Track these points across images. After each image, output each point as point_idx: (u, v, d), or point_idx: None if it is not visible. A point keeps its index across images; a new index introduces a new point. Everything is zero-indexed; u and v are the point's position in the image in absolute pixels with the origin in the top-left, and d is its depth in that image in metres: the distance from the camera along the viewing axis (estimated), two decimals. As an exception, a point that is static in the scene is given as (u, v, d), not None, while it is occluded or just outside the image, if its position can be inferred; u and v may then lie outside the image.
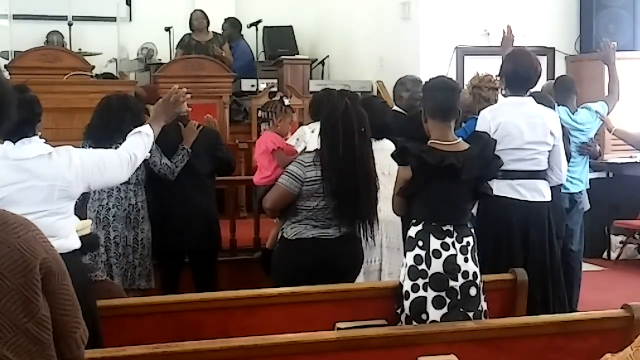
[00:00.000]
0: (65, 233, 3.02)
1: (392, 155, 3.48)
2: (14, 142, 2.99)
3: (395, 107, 5.41)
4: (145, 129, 3.44)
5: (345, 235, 3.77)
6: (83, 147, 4.66)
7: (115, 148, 4.57)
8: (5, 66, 7.50)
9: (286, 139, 4.75)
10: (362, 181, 3.70)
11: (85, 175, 3.07)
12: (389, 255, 4.40)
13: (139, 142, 3.37)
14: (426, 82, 3.72)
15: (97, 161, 3.17)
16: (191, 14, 8.46)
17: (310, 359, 2.85)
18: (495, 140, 3.52)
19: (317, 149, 3.81)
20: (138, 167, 4.64)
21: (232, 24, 9.26)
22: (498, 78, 4.57)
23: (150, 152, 4.67)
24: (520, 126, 4.17)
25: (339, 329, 3.23)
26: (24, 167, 2.96)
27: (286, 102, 4.97)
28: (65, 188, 3.00)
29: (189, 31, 8.43)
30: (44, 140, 3.09)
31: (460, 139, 3.41)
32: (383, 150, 4.36)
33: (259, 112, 4.94)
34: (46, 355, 1.72)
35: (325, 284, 3.53)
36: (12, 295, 1.67)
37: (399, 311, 3.35)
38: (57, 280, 1.76)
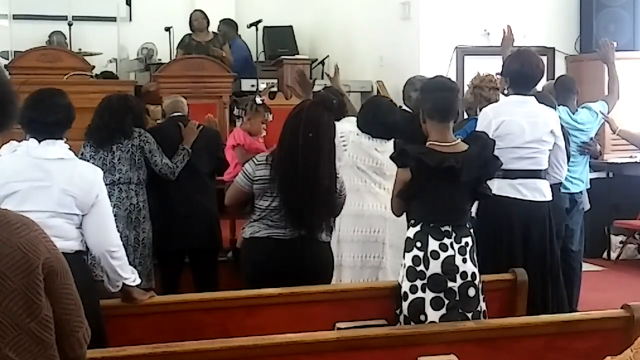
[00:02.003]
0: (72, 236, 3.06)
1: (391, 157, 3.46)
2: (39, 141, 3.04)
3: (403, 107, 5.42)
4: (132, 279, 3.27)
5: (303, 237, 3.63)
6: (84, 147, 4.68)
7: (117, 148, 4.63)
8: (5, 66, 7.49)
9: (259, 138, 4.79)
10: (304, 185, 3.57)
11: (89, 208, 3.10)
12: (392, 253, 4.36)
13: (124, 267, 3.23)
14: (424, 83, 3.71)
15: (106, 215, 3.19)
16: (191, 15, 8.44)
17: (310, 359, 2.86)
18: (494, 141, 3.51)
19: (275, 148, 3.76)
20: (139, 167, 4.69)
21: (228, 24, 9.24)
22: (499, 77, 4.57)
23: (151, 152, 4.71)
24: (522, 125, 4.18)
25: (339, 329, 3.23)
26: (43, 167, 3.02)
27: (258, 101, 5.00)
28: (76, 196, 3.05)
29: (188, 31, 8.42)
30: (68, 146, 3.13)
31: (459, 140, 3.39)
32: (391, 151, 4.37)
33: (235, 109, 4.99)
34: (49, 355, 1.72)
35: (285, 285, 3.45)
36: (15, 295, 1.67)
37: (398, 312, 3.35)
38: (59, 279, 1.76)
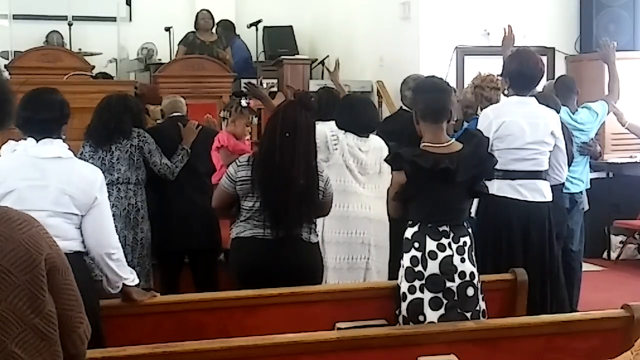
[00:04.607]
0: (71, 236, 3.05)
1: (385, 160, 3.45)
2: (37, 140, 3.03)
3: (403, 107, 5.43)
4: (131, 279, 3.26)
5: (286, 237, 3.61)
6: (83, 147, 4.68)
7: (115, 148, 4.63)
8: (5, 66, 7.50)
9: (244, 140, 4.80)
10: (281, 185, 3.57)
11: (88, 208, 3.08)
12: (376, 253, 4.39)
13: (122, 268, 3.22)
14: (417, 84, 3.70)
15: (105, 217, 3.16)
16: (197, 13, 8.46)
17: (310, 359, 2.85)
18: (489, 138, 3.50)
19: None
20: (138, 167, 4.69)
21: (225, 26, 9.24)
22: (500, 78, 4.57)
23: (150, 152, 4.71)
24: (522, 126, 4.18)
25: (339, 329, 3.23)
26: (39, 166, 3.02)
27: (243, 103, 5.00)
28: (74, 196, 3.04)
29: (190, 30, 8.42)
30: (67, 146, 3.12)
31: (453, 140, 3.38)
32: (374, 149, 4.38)
33: (221, 112, 5.00)
34: (53, 351, 1.73)
35: (272, 285, 3.43)
36: (19, 291, 1.67)
37: (397, 312, 3.35)
38: (61, 275, 1.77)
